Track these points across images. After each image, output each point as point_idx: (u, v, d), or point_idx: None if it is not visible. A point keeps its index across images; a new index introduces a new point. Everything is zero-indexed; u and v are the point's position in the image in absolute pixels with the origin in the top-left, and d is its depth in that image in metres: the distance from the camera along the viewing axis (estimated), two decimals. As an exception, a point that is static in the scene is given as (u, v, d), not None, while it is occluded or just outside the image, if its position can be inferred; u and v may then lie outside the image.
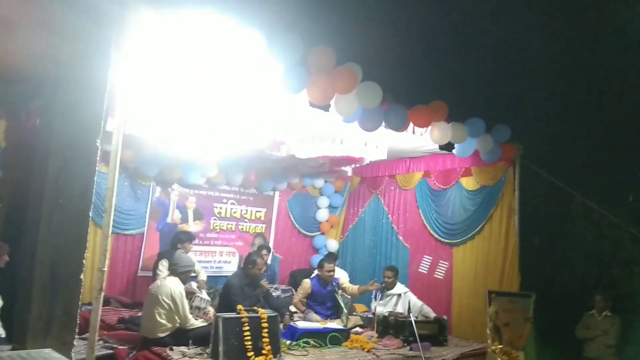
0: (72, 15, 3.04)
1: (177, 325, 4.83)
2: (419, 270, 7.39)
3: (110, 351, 4.75)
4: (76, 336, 3.15)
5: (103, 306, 3.58)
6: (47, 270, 2.92)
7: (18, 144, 5.22)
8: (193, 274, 6.23)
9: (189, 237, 6.60)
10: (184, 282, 5.10)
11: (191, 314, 5.02)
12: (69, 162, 2.94)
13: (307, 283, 6.51)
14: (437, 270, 7.20)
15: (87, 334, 3.64)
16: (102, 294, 3.27)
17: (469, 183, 6.84)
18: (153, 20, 3.37)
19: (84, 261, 3.09)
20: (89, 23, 3.06)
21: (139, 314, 5.45)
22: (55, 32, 3.15)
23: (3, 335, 4.44)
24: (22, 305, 3.01)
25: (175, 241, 6.45)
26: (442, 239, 7.10)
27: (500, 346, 5.54)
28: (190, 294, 5.37)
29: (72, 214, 2.95)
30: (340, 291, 6.55)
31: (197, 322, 4.98)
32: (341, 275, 7.08)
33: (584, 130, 7.01)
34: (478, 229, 6.61)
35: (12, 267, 4.65)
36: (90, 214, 3.11)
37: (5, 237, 5.09)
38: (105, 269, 3.26)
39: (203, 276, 6.63)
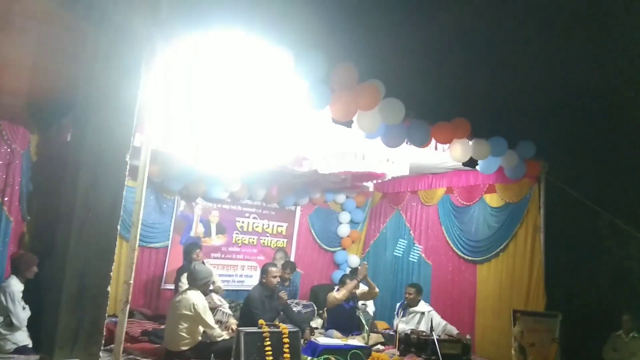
0: (104, 36, 3.15)
1: (199, 338, 4.87)
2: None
3: (134, 363, 4.81)
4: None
5: (127, 318, 3.63)
6: (76, 283, 2.98)
7: (48, 158, 5.38)
8: (211, 289, 6.30)
9: (196, 246, 6.74)
10: (205, 293, 5.15)
11: (214, 327, 5.05)
12: (99, 177, 3.01)
13: (332, 296, 6.48)
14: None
15: (111, 346, 3.70)
16: (128, 306, 3.32)
17: (492, 200, 6.76)
18: (182, 39, 3.47)
19: (111, 274, 3.15)
20: (120, 43, 3.16)
21: (162, 326, 5.50)
22: (87, 51, 3.26)
23: (30, 345, 4.55)
24: (50, 316, 3.07)
25: (187, 254, 6.57)
26: (466, 257, 7.02)
27: (525, 367, 5.42)
28: (212, 309, 5.41)
29: (101, 228, 3.01)
30: (361, 306, 6.51)
31: (224, 333, 5.02)
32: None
33: (611, 147, 6.88)
34: (502, 246, 6.51)
35: (40, 278, 4.78)
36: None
37: (33, 248, 5.23)
38: (132, 281, 3.31)
39: (219, 282, 6.67)
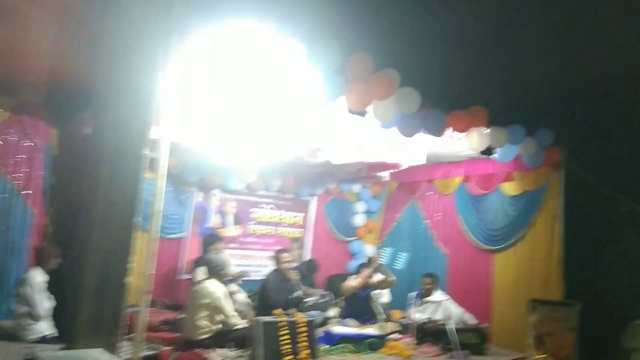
0: (121, 30, 3.18)
1: (216, 327, 4.94)
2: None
3: (154, 352, 4.89)
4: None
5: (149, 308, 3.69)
6: (97, 274, 3.05)
7: (69, 152, 5.48)
8: (231, 278, 6.37)
9: (216, 238, 6.75)
10: (222, 282, 5.22)
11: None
12: (118, 170, 3.06)
13: (348, 283, 6.52)
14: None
15: (132, 335, 3.77)
16: (150, 296, 3.39)
17: (510, 188, 6.70)
18: (197, 32, 3.49)
19: (130, 265, 3.21)
20: (137, 37, 3.19)
21: (182, 316, 5.59)
22: (105, 46, 3.30)
23: (53, 335, 4.66)
24: (73, 306, 3.15)
25: (207, 245, 6.63)
26: (483, 245, 6.98)
27: (543, 356, 5.40)
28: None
29: (121, 220, 3.07)
30: (377, 295, 6.54)
31: (242, 322, 5.09)
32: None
33: (631, 134, 6.75)
34: (520, 235, 6.47)
35: (62, 269, 4.88)
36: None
37: (55, 240, 5.35)
38: (153, 272, 3.37)
39: (236, 269, 6.74)
